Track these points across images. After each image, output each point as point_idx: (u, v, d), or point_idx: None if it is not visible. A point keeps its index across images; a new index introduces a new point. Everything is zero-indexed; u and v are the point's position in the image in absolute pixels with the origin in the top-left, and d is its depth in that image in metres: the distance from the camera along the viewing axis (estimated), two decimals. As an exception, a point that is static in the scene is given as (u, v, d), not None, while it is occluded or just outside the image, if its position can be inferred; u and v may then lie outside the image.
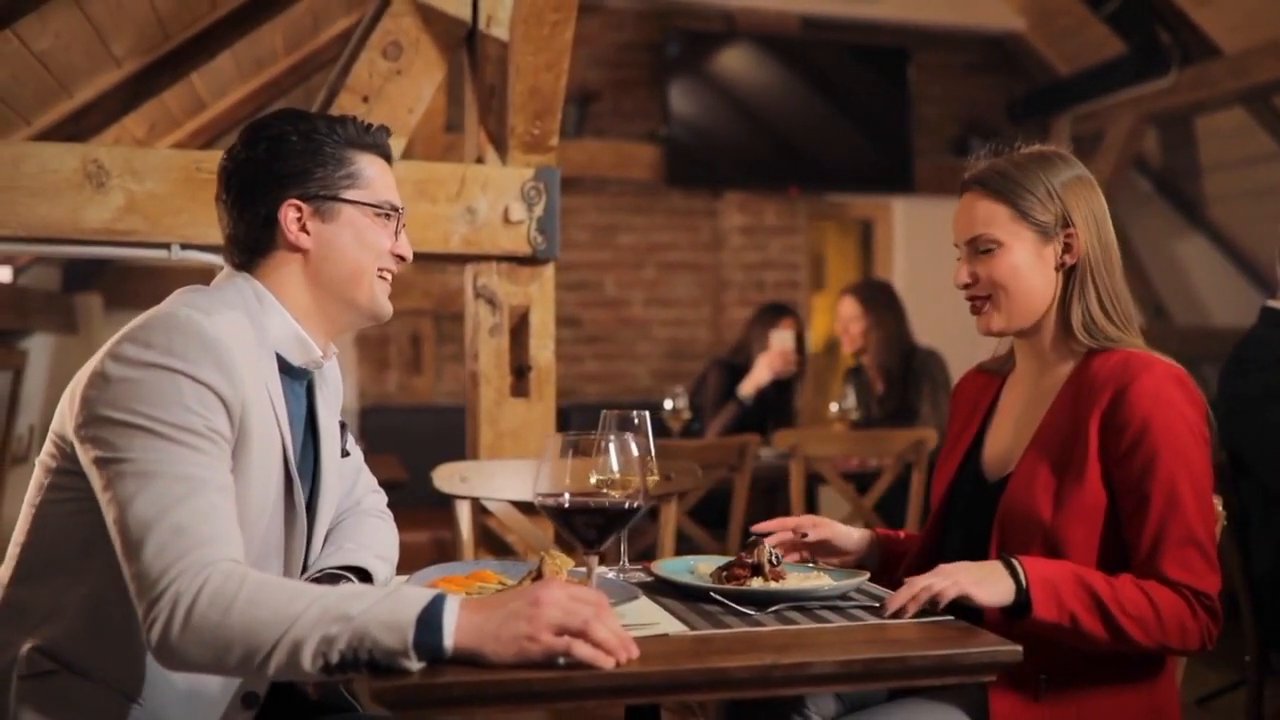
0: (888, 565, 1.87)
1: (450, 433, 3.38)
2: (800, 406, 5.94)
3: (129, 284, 5.21)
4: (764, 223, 6.12)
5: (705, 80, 6.01)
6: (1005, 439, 1.82)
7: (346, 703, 1.73)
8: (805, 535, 1.82)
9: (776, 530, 1.80)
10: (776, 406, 4.60)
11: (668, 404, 4.33)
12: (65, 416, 1.41)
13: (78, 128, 3.48)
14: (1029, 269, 1.74)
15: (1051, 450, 1.71)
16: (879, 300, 4.50)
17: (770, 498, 4.32)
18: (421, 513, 3.80)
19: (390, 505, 1.85)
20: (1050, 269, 1.75)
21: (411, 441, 4.91)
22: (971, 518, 1.80)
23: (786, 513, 3.76)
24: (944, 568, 1.56)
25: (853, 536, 1.87)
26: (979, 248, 1.77)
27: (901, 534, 1.95)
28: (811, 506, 4.59)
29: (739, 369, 4.57)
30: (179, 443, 1.33)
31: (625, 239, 6.10)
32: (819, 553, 1.84)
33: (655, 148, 5.97)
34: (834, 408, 4.35)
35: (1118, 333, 1.74)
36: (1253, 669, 2.84)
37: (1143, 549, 1.63)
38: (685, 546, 3.18)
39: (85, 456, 1.36)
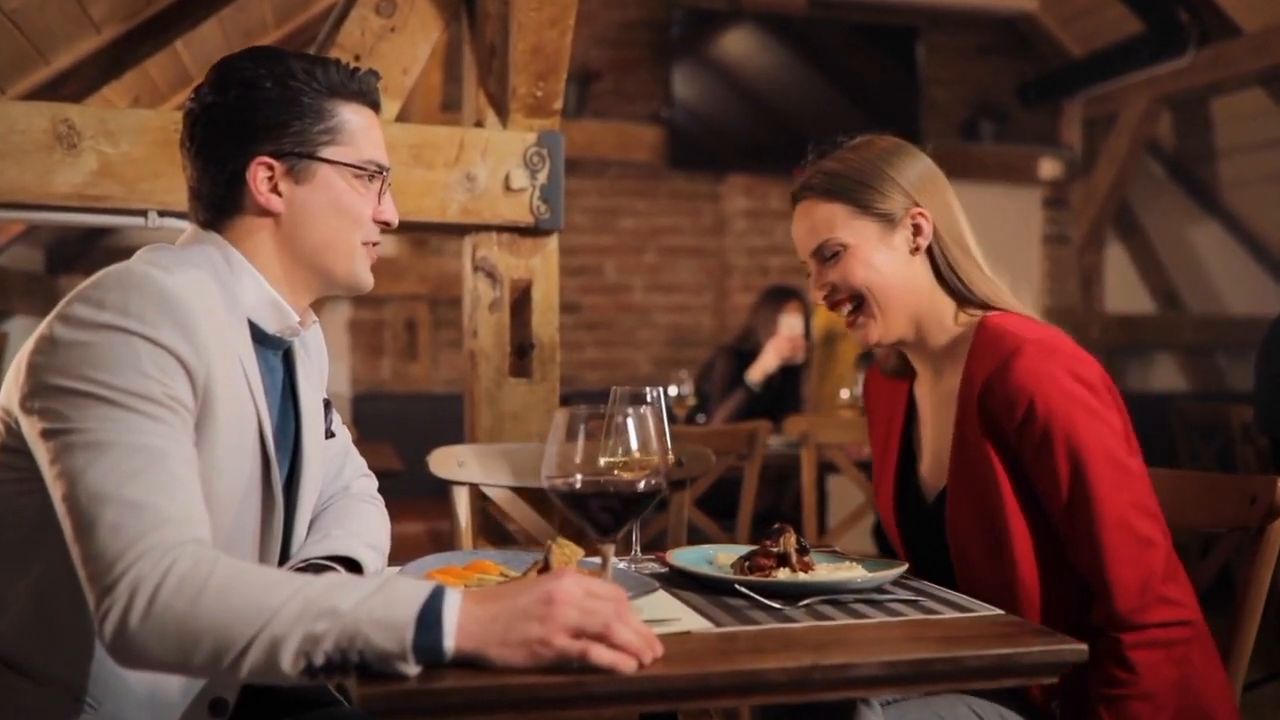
0: None
1: (447, 421, 3.27)
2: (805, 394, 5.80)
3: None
4: (769, 206, 5.98)
5: (709, 60, 5.89)
6: (931, 452, 1.71)
7: (330, 696, 1.58)
8: None
9: None
10: (784, 393, 4.47)
11: (672, 390, 4.19)
12: (10, 389, 1.25)
13: (55, 95, 3.30)
14: (884, 263, 1.64)
15: (968, 456, 1.59)
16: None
17: (779, 487, 4.18)
18: (417, 503, 3.67)
19: (384, 496, 1.70)
20: (906, 255, 1.64)
21: (407, 430, 4.79)
22: (922, 541, 1.71)
23: (796, 502, 3.63)
24: None
25: None
26: (825, 255, 1.67)
27: None
28: (822, 496, 4.44)
29: (747, 355, 4.44)
30: (135, 411, 1.17)
31: (626, 223, 5.96)
32: None
33: (658, 129, 5.86)
34: (844, 394, 4.20)
35: (983, 299, 1.65)
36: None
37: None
38: (694, 536, 3.03)
39: (31, 430, 1.20)
